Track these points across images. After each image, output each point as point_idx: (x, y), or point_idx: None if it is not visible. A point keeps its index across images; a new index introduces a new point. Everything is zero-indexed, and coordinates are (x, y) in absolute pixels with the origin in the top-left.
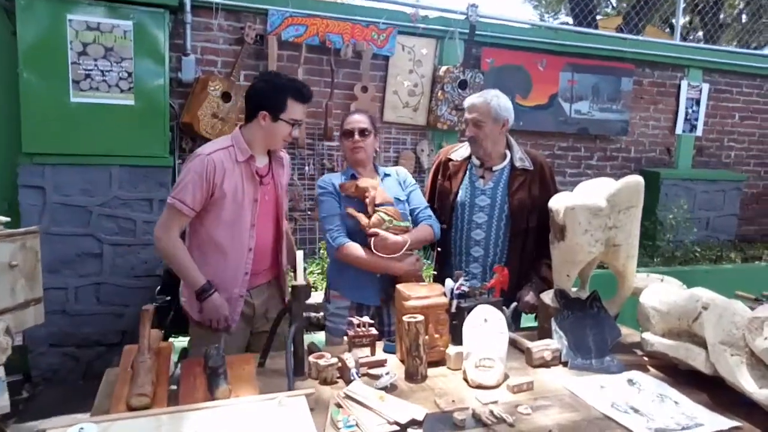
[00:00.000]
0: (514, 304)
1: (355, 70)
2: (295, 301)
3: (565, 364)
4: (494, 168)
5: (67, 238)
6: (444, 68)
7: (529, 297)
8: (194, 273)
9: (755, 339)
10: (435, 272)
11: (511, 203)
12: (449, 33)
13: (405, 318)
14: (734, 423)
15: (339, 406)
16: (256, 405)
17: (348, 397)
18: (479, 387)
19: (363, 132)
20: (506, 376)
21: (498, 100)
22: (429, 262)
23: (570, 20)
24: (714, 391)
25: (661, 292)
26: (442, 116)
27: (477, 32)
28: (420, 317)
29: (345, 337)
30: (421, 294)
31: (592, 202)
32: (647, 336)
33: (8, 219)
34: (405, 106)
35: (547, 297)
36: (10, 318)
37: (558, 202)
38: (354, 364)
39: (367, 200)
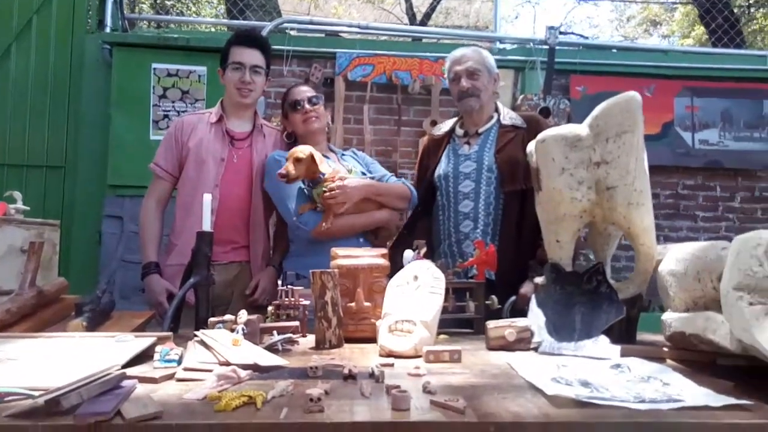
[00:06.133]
0: (512, 298)
1: (425, 107)
2: (198, 251)
3: (536, 349)
4: (480, 130)
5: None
6: (521, 96)
7: (527, 288)
8: (148, 246)
9: None
10: None
11: (498, 161)
12: (529, 63)
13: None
14: (729, 400)
15: None
16: (94, 341)
17: (201, 341)
18: (389, 355)
19: (311, 100)
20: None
21: (487, 53)
22: None
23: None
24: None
25: (682, 249)
26: None
27: (565, 59)
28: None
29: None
30: (356, 254)
31: (567, 129)
32: (665, 316)
33: (27, 208)
34: None
35: (541, 279)
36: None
37: (533, 142)
38: (245, 322)
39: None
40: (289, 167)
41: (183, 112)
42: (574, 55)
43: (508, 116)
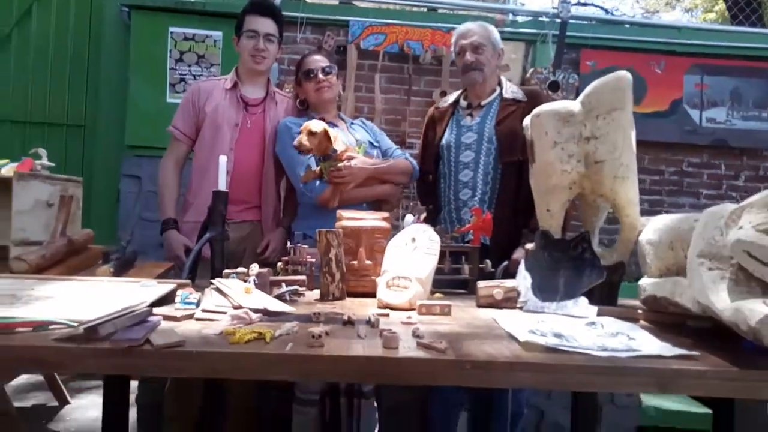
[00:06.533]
0: (505, 263)
1: (436, 78)
2: (214, 208)
3: (522, 307)
4: (483, 103)
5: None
6: (531, 70)
7: (519, 254)
8: (166, 203)
9: (729, 233)
10: None
11: (498, 133)
12: (540, 36)
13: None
14: (681, 351)
15: None
16: (121, 285)
17: (217, 288)
18: (386, 307)
19: (325, 70)
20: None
21: (492, 27)
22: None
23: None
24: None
25: (660, 220)
26: None
27: (576, 33)
28: (336, 230)
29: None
30: (360, 216)
31: (560, 105)
32: (642, 281)
33: (53, 164)
34: None
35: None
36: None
37: (529, 116)
38: (256, 274)
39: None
40: (303, 139)
41: (199, 76)
42: (586, 29)
43: (510, 90)
